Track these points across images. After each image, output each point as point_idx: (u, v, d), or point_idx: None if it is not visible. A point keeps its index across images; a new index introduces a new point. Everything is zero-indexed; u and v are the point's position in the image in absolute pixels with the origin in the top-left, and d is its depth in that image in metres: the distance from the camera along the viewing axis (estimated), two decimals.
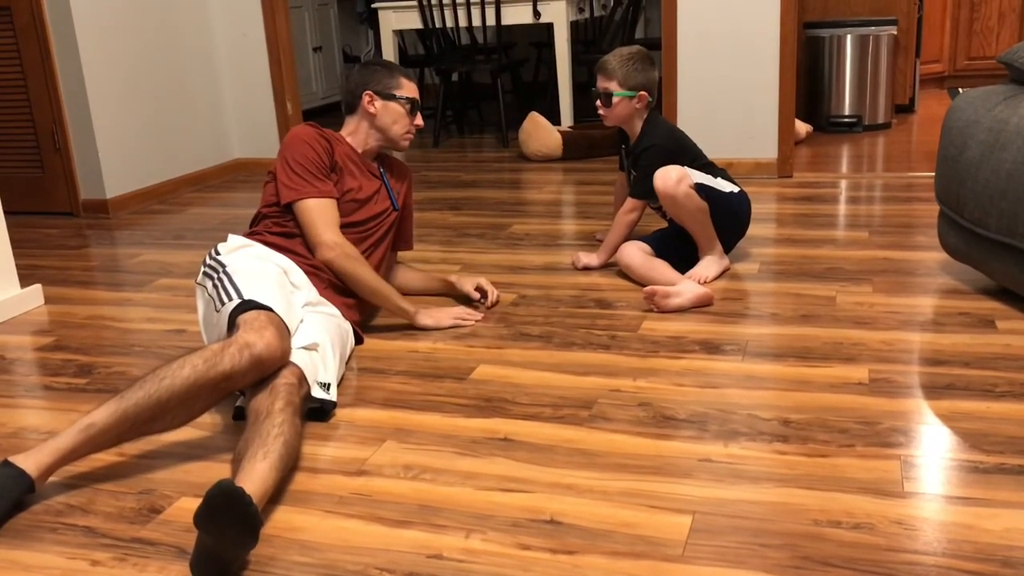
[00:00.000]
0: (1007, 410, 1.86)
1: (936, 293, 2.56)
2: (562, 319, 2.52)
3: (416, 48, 7.06)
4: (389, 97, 2.44)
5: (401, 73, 2.49)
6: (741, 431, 1.83)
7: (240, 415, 1.96)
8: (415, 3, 5.23)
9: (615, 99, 2.75)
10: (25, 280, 3.03)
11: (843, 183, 3.95)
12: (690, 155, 2.78)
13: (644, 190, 2.75)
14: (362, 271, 2.31)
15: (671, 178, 2.63)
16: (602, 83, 2.77)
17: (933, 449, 1.72)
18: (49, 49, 3.92)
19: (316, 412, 1.99)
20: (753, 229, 3.27)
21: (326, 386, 1.98)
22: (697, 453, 1.76)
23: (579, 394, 2.05)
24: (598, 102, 2.79)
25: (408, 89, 2.48)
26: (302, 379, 1.86)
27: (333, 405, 2.01)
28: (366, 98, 2.44)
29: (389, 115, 2.45)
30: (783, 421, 1.87)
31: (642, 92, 2.75)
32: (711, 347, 2.27)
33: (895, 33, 4.96)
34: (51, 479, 1.73)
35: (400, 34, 5.61)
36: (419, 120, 2.50)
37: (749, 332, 2.35)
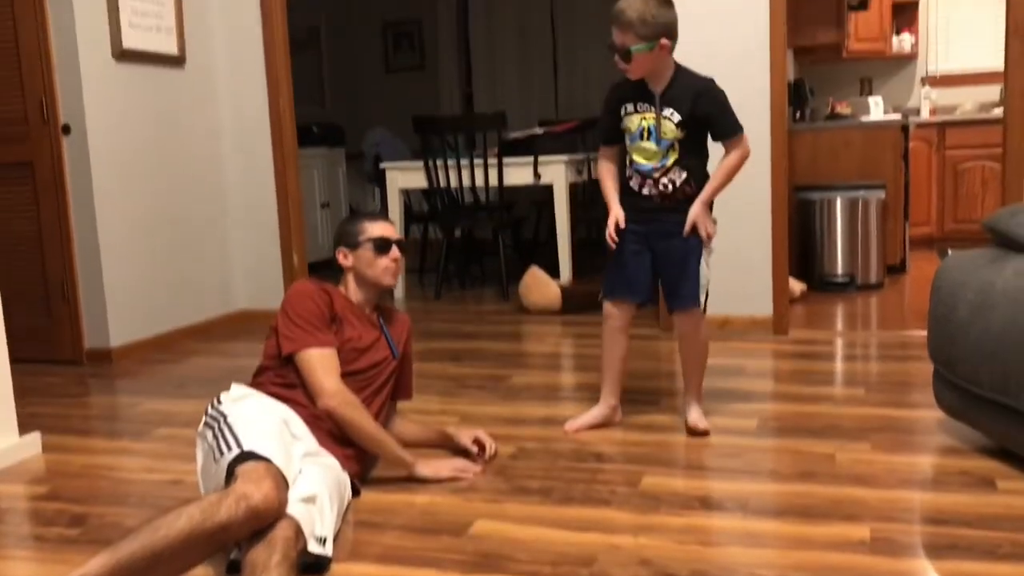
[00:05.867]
0: (1010, 572, 1.84)
1: (935, 451, 2.56)
2: (561, 473, 2.51)
3: (421, 205, 7.29)
4: (356, 245, 2.51)
5: (364, 218, 2.56)
6: None
7: (234, 568, 1.92)
8: (421, 164, 5.45)
9: (634, 54, 2.54)
10: (24, 428, 3.03)
11: (839, 341, 4.00)
12: None
13: (738, 123, 2.64)
14: (362, 419, 2.32)
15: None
16: (618, 37, 2.55)
17: None
18: (66, 203, 4.06)
19: (311, 567, 1.96)
20: (751, 384, 3.30)
21: (322, 540, 1.96)
22: None
23: (579, 551, 2.02)
24: (616, 58, 2.58)
25: (372, 230, 2.51)
26: (299, 532, 1.85)
27: (329, 561, 1.98)
28: (340, 256, 2.53)
29: (361, 261, 2.51)
30: None
31: (662, 40, 2.54)
32: (712, 504, 2.25)
33: (883, 197, 5.13)
34: None
35: (406, 192, 5.81)
36: (395, 253, 2.51)
37: (749, 489, 2.34)
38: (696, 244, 2.68)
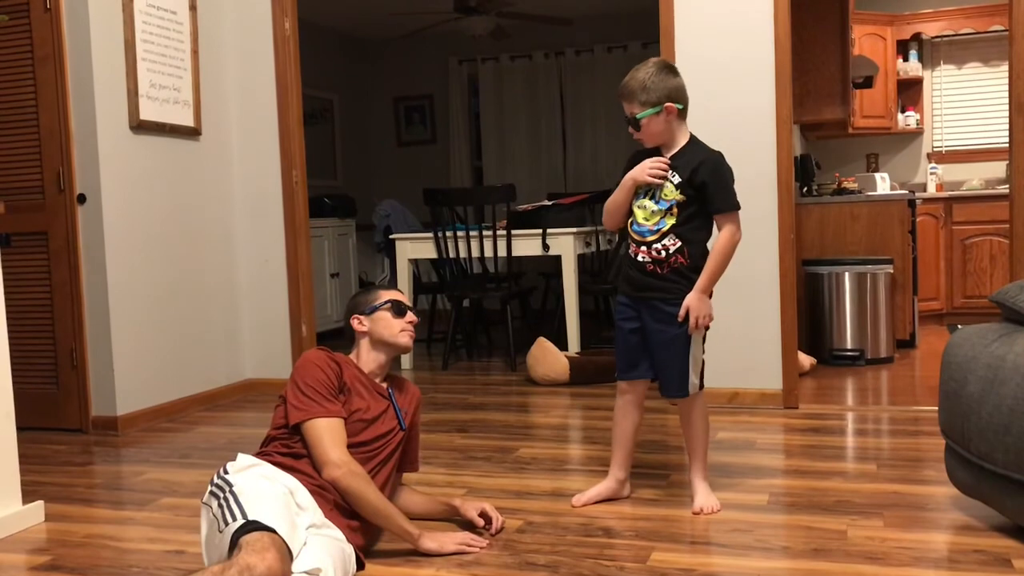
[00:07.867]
0: None
1: (949, 529, 2.51)
2: (569, 548, 2.47)
3: (430, 276, 7.33)
4: (372, 310, 2.57)
5: (378, 287, 2.66)
6: None
7: None
8: (430, 235, 5.50)
9: (642, 120, 2.64)
10: (28, 496, 3.01)
11: (849, 415, 3.96)
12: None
13: (735, 200, 2.67)
14: (367, 490, 2.30)
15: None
16: (627, 108, 2.67)
17: None
18: (79, 272, 4.10)
19: None
20: (761, 459, 3.26)
21: None
22: None
23: None
24: (630, 129, 2.70)
25: (386, 295, 2.60)
26: None
27: None
28: (355, 322, 2.58)
29: (377, 324, 2.56)
30: None
31: (667, 104, 2.63)
32: None
33: (891, 272, 5.14)
34: None
35: (415, 263, 5.86)
36: (410, 316, 2.59)
37: (761, 566, 2.30)
38: (686, 330, 2.68)
